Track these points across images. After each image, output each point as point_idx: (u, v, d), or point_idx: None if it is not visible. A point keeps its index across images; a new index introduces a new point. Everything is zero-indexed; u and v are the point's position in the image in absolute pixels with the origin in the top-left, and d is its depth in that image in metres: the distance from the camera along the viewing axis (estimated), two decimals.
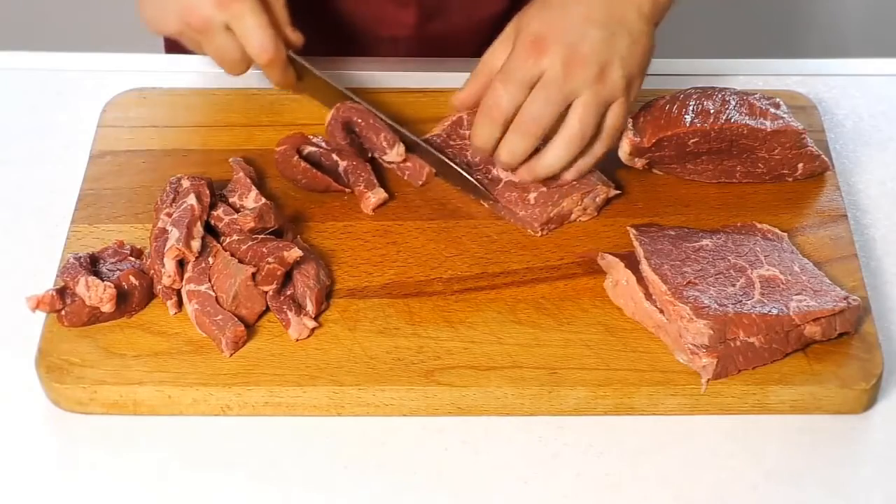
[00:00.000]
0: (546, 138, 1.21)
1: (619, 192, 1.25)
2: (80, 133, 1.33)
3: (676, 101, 1.24)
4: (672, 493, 1.08)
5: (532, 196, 1.23)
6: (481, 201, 1.25)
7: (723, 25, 2.56)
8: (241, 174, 1.23)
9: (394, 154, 1.26)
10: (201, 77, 1.37)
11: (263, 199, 1.21)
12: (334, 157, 1.27)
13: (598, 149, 1.23)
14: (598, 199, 1.24)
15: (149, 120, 1.32)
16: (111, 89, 1.36)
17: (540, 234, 1.23)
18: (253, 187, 1.22)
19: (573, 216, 1.24)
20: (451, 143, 1.28)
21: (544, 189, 1.23)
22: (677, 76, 1.37)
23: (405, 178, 1.28)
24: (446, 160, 1.26)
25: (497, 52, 1.23)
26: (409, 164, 1.27)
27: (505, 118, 1.20)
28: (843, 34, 2.62)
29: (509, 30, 1.23)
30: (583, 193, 1.23)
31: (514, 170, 1.24)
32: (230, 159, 1.26)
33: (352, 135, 1.28)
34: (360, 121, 1.28)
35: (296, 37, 1.30)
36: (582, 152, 1.22)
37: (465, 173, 1.25)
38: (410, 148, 1.28)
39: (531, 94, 1.19)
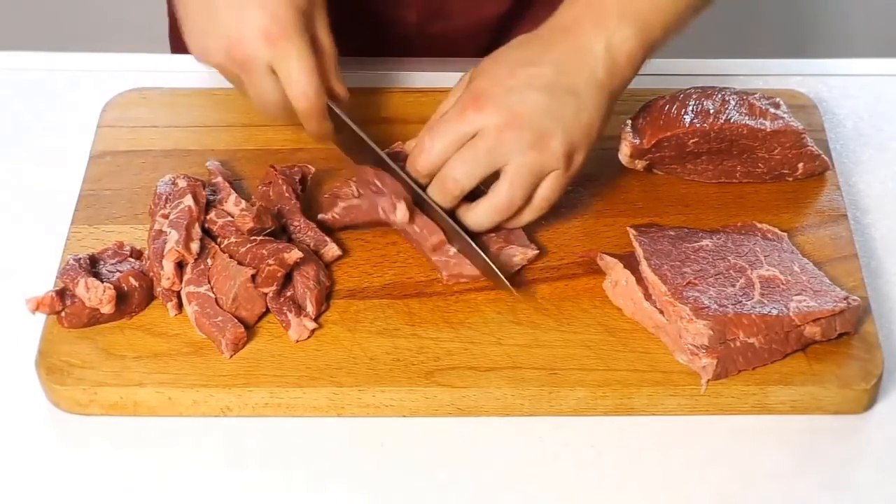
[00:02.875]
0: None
1: (537, 251, 1.19)
2: (80, 133, 1.32)
3: (676, 102, 1.24)
4: (672, 493, 1.08)
5: (453, 249, 1.19)
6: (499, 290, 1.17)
7: (723, 25, 2.56)
8: (220, 178, 1.23)
9: (399, 215, 1.17)
10: (201, 77, 1.36)
11: (243, 203, 1.20)
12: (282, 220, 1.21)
13: (526, 216, 1.18)
14: (514, 260, 1.19)
15: (149, 120, 1.32)
16: (111, 89, 1.36)
17: (447, 282, 1.18)
18: (232, 191, 1.22)
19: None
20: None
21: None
22: (677, 76, 1.37)
23: (413, 245, 1.20)
24: (465, 237, 1.17)
25: (449, 102, 1.20)
26: (416, 227, 1.18)
27: (429, 171, 1.17)
28: (843, 34, 2.62)
29: (465, 78, 1.20)
30: (498, 248, 1.19)
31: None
32: (206, 163, 1.26)
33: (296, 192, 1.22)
34: (374, 182, 1.19)
35: (340, 89, 1.23)
36: (509, 218, 1.18)
37: (484, 255, 1.16)
38: (421, 206, 1.19)
39: (458, 153, 1.15)
